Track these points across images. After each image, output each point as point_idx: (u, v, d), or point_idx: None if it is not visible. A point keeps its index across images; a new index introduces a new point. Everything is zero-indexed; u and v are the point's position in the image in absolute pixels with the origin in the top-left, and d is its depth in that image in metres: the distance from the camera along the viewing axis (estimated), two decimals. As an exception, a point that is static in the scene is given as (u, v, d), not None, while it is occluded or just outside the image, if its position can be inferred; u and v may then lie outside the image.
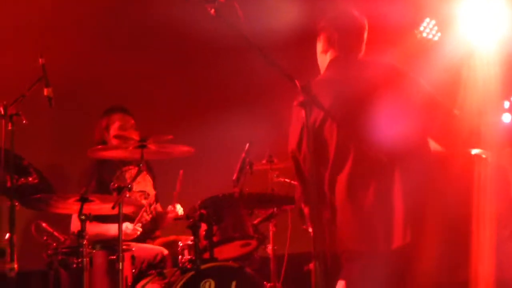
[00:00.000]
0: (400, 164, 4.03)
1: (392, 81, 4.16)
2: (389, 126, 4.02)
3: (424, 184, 4.07)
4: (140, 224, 5.94)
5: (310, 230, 5.70)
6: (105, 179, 5.99)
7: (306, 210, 4.33)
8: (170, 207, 6.13)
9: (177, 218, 6.15)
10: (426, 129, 4.17)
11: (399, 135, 4.02)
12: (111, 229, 5.84)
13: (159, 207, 6.44)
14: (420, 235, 4.05)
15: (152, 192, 6.41)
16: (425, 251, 4.10)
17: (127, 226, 5.86)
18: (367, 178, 4.04)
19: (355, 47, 4.37)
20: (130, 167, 6.28)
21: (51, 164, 6.59)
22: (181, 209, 6.05)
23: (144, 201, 6.26)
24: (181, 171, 5.91)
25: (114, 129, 6.22)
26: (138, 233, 5.89)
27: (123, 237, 5.65)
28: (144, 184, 6.35)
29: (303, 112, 3.63)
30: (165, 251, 5.83)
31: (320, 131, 4.11)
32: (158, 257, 5.75)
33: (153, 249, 5.87)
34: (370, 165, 4.03)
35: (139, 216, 5.99)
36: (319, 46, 4.45)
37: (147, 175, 6.42)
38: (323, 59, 4.42)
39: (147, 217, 6.24)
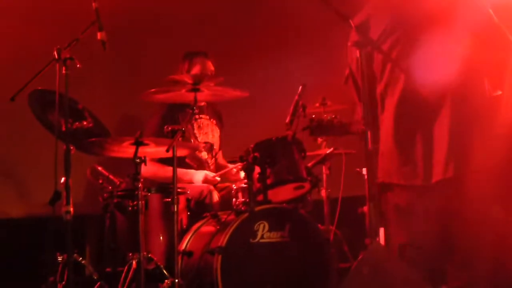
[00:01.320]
0: (450, 103, 3.95)
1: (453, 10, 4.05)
2: (443, 62, 3.93)
3: (473, 125, 3.99)
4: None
5: (364, 172, 5.71)
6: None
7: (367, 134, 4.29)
8: (234, 170, 6.16)
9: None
10: (483, 66, 4.06)
11: (452, 73, 3.93)
12: (184, 173, 6.00)
13: (220, 156, 6.49)
14: (466, 171, 3.97)
15: (217, 143, 6.44)
16: (472, 186, 4.02)
17: (207, 174, 5.99)
18: (414, 113, 3.96)
19: None
20: (202, 116, 6.33)
21: (106, 107, 6.63)
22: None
23: (204, 153, 6.30)
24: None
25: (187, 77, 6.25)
26: (215, 180, 6.03)
27: (202, 179, 5.87)
28: (211, 135, 6.39)
29: (357, 52, 3.59)
30: (212, 189, 5.89)
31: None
32: (204, 193, 5.80)
33: (199, 186, 5.92)
34: (418, 100, 3.95)
35: (224, 171, 6.13)
36: None
37: (215, 126, 6.45)
38: None
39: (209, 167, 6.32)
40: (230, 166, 6.30)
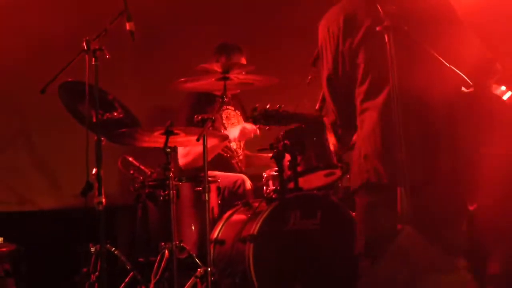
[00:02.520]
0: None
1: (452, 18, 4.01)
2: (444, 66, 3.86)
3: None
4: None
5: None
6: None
7: (340, 131, 4.25)
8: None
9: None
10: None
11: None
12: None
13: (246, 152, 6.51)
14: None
15: None
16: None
17: (245, 126, 5.97)
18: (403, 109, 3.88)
19: None
20: (228, 107, 6.34)
21: (136, 97, 6.65)
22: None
23: (234, 143, 6.31)
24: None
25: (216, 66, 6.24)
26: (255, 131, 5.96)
27: (238, 134, 5.90)
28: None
29: (385, 37, 3.55)
30: (245, 178, 5.89)
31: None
32: (238, 183, 5.82)
33: (233, 176, 5.93)
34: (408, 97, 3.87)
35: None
36: None
37: (241, 117, 6.46)
38: None
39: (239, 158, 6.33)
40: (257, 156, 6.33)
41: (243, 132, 5.97)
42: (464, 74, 3.65)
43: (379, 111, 3.84)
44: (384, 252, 3.76)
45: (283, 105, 5.14)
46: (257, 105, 5.10)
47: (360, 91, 3.91)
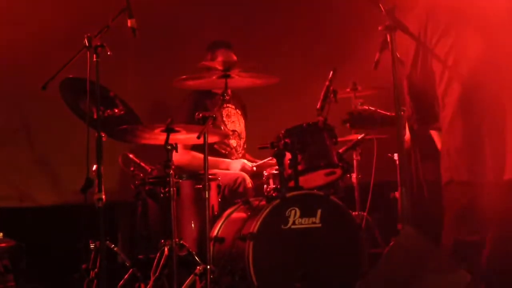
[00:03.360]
0: None
1: None
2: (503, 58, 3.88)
3: None
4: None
5: (396, 158, 5.68)
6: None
7: (415, 126, 4.27)
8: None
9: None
10: None
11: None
12: (221, 161, 6.14)
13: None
14: None
15: (244, 132, 6.46)
16: None
17: (245, 163, 6.13)
18: (480, 106, 3.91)
19: None
20: (229, 105, 6.35)
21: (137, 95, 6.65)
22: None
23: (233, 141, 6.33)
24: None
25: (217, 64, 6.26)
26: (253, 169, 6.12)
27: (240, 168, 6.00)
28: (238, 125, 6.41)
29: (388, 37, 3.56)
30: (245, 176, 5.90)
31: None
32: (238, 181, 5.82)
33: (233, 174, 5.94)
34: (483, 97, 3.90)
35: (261, 162, 6.18)
36: None
37: (241, 116, 6.48)
38: None
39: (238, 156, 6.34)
40: (258, 160, 6.34)
41: (243, 169, 6.09)
42: None
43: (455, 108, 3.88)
44: (386, 252, 3.76)
45: (375, 107, 5.12)
46: (353, 109, 5.10)
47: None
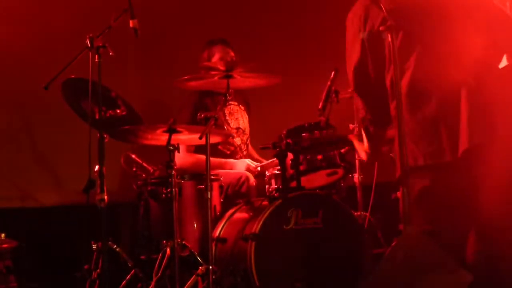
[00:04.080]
0: (468, 80, 3.87)
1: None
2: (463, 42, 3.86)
3: (494, 97, 3.89)
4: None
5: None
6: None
7: (371, 129, 4.24)
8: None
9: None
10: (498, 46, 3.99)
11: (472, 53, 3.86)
12: (225, 162, 6.13)
13: (250, 147, 6.51)
14: (492, 137, 3.87)
15: (247, 128, 6.45)
16: (499, 155, 3.89)
17: (250, 161, 6.11)
18: (429, 87, 3.87)
19: None
20: (232, 102, 6.35)
21: (139, 95, 6.66)
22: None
23: (238, 139, 6.32)
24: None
25: (215, 60, 6.26)
26: (257, 170, 6.08)
27: (244, 170, 5.96)
28: (241, 121, 6.40)
29: (389, 37, 3.56)
30: (249, 175, 5.90)
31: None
32: (241, 180, 5.82)
33: (237, 173, 5.94)
34: (433, 75, 3.87)
35: (266, 163, 6.13)
36: None
37: (244, 112, 6.47)
38: None
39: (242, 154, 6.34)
40: (263, 159, 6.35)
41: (247, 169, 6.06)
42: None
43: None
44: (388, 253, 3.75)
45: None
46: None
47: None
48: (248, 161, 6.14)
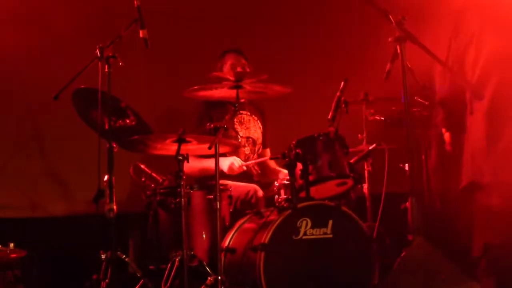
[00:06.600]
0: None
1: None
2: None
3: None
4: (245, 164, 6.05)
5: (407, 168, 5.67)
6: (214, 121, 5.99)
7: (447, 135, 4.25)
8: (281, 174, 6.14)
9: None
10: None
11: None
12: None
13: (267, 153, 6.49)
14: None
15: (260, 138, 6.43)
16: None
17: (235, 158, 5.97)
18: (504, 113, 3.93)
19: None
20: (243, 112, 6.34)
21: (149, 105, 6.66)
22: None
23: (247, 148, 6.31)
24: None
25: (226, 69, 6.28)
26: (241, 169, 5.98)
27: (226, 169, 5.84)
28: (253, 131, 6.38)
29: (398, 48, 3.57)
30: (257, 188, 5.88)
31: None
32: (250, 193, 5.81)
33: (245, 186, 5.92)
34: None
35: (256, 161, 6.14)
36: None
37: (257, 121, 6.45)
38: None
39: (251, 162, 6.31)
40: (276, 167, 6.32)
41: (230, 169, 5.93)
42: None
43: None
44: (397, 263, 3.75)
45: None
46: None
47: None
48: (233, 159, 5.99)
